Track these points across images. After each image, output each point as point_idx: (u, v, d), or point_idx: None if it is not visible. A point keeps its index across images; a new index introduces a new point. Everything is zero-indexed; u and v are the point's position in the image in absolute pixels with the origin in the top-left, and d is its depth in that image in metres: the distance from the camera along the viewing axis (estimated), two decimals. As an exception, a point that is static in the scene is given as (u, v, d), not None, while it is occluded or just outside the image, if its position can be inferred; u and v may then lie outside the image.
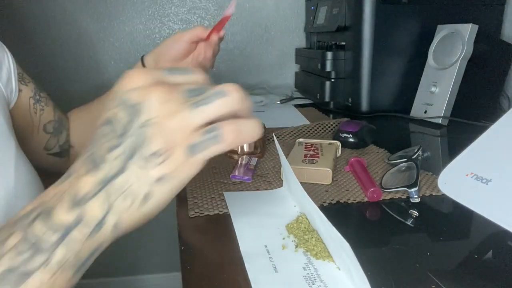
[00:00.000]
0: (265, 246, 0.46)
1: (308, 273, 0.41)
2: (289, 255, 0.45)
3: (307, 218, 0.50)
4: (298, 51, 1.46)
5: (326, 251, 0.44)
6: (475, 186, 0.47)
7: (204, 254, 0.46)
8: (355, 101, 1.10)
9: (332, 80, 1.16)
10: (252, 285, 0.39)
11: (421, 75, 1.04)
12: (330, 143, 0.75)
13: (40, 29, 1.39)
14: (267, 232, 0.50)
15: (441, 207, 0.58)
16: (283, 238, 0.48)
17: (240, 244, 0.47)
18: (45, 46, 1.40)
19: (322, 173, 0.63)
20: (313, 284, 0.39)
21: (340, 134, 0.82)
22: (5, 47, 0.63)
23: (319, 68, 1.18)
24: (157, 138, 0.29)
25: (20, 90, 0.64)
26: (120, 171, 0.29)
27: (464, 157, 0.52)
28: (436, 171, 0.66)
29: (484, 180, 0.47)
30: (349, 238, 0.35)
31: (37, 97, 0.69)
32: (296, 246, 0.46)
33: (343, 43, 1.15)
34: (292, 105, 1.27)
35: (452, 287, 0.39)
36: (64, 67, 1.43)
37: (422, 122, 1.01)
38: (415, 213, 0.55)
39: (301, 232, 0.48)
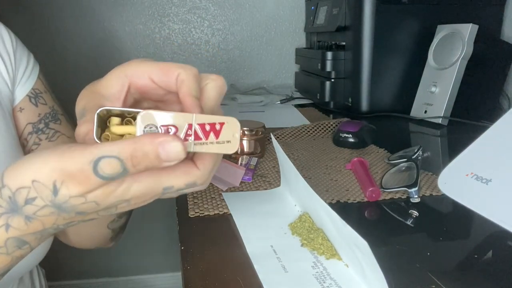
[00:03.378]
0: (271, 246, 0.46)
1: (317, 272, 0.41)
2: (296, 255, 0.45)
3: (310, 217, 0.50)
4: (298, 51, 1.46)
5: (333, 249, 0.44)
6: (475, 186, 0.47)
7: (204, 254, 0.46)
8: (355, 101, 1.10)
9: (332, 80, 1.16)
10: (264, 286, 0.39)
11: (421, 75, 1.04)
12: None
13: (38, 29, 1.39)
14: (271, 232, 0.50)
15: (441, 207, 0.58)
16: (288, 238, 0.48)
17: (246, 246, 0.47)
18: (44, 47, 1.40)
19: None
20: (324, 282, 0.40)
21: (340, 134, 0.82)
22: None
23: (319, 68, 1.18)
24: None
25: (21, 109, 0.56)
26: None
27: (464, 157, 0.52)
28: (436, 171, 0.66)
29: (484, 180, 0.47)
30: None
31: (41, 125, 0.58)
32: (302, 245, 0.46)
33: (343, 43, 1.15)
34: (292, 105, 1.27)
35: (452, 287, 0.39)
36: (63, 68, 1.43)
37: (422, 122, 1.01)
38: (415, 213, 0.55)
39: (306, 231, 0.48)
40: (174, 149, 0.29)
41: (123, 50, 1.45)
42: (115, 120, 0.31)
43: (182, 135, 0.30)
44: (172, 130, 0.30)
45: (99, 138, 0.30)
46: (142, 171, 0.30)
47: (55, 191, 0.29)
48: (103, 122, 0.31)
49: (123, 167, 0.28)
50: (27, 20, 1.37)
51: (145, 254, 1.68)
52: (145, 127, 0.29)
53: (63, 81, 1.42)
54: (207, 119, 0.30)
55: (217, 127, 0.30)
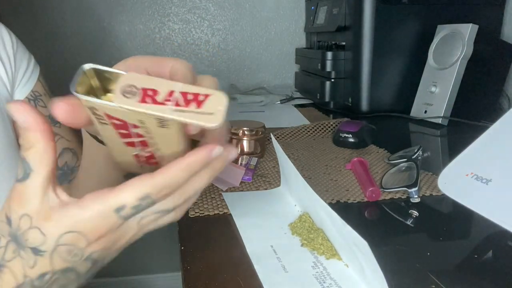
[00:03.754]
0: (271, 246, 0.46)
1: (317, 272, 0.41)
2: (296, 255, 0.45)
3: (310, 217, 0.50)
4: (298, 51, 1.46)
5: (333, 249, 0.44)
6: (475, 186, 0.47)
7: (204, 254, 0.46)
8: (355, 101, 1.10)
9: (332, 80, 1.16)
10: (264, 286, 0.39)
11: (421, 75, 1.04)
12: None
13: (38, 29, 1.39)
14: (271, 232, 0.50)
15: (441, 207, 0.58)
16: (288, 238, 0.48)
17: (246, 246, 0.47)
18: (44, 47, 1.40)
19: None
20: (324, 282, 0.40)
21: (340, 134, 0.82)
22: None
23: (319, 68, 1.18)
24: None
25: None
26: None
27: (464, 157, 0.52)
28: (436, 171, 0.66)
29: (484, 180, 0.47)
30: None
31: None
32: (302, 245, 0.46)
33: (343, 43, 1.15)
34: (292, 105, 1.27)
35: (452, 287, 0.39)
36: (64, 67, 1.42)
37: (422, 122, 1.01)
38: (415, 213, 0.55)
39: (306, 231, 0.48)
40: (15, 104, 0.30)
41: (123, 50, 1.45)
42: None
43: (161, 99, 0.28)
44: (150, 93, 0.28)
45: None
46: (42, 163, 0.29)
47: (9, 220, 0.30)
48: (93, 90, 0.31)
49: (26, 163, 0.29)
50: (27, 20, 1.37)
51: (145, 254, 1.68)
52: (124, 87, 0.28)
53: (63, 81, 1.41)
54: (192, 89, 0.29)
55: (201, 98, 0.29)
